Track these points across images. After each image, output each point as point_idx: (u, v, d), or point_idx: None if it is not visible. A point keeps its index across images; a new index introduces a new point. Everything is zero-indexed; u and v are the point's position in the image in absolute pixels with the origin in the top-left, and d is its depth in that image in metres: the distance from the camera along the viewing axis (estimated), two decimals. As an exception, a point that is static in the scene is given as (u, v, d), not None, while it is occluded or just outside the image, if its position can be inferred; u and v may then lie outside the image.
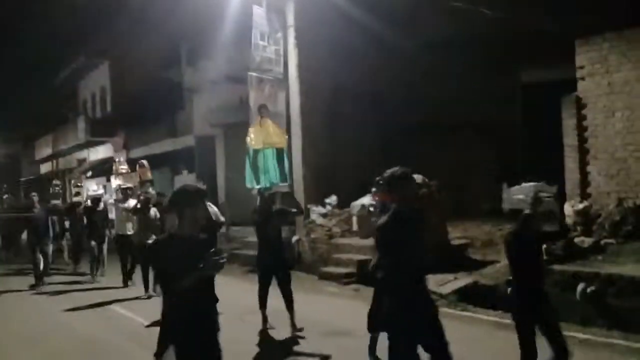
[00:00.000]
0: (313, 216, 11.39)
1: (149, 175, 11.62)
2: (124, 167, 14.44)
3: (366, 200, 9.38)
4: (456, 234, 10.55)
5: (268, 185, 9.45)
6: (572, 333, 5.99)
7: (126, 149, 21.75)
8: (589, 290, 7.09)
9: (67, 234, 13.47)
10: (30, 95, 29.17)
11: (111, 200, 12.24)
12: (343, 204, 11.37)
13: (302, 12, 12.00)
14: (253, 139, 9.87)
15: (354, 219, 10.82)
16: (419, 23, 11.62)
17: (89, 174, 24.61)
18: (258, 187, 8.63)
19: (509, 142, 10.99)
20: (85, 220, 12.00)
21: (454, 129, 11.24)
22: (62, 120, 27.48)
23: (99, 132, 23.17)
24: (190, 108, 16.75)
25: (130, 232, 10.14)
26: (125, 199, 10.49)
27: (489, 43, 10.80)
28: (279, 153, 10.34)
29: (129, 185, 11.70)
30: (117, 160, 13.53)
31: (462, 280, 8.53)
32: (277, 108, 11.97)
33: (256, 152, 10.01)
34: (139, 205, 9.65)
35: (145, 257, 8.70)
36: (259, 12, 11.59)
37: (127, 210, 10.19)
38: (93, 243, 11.35)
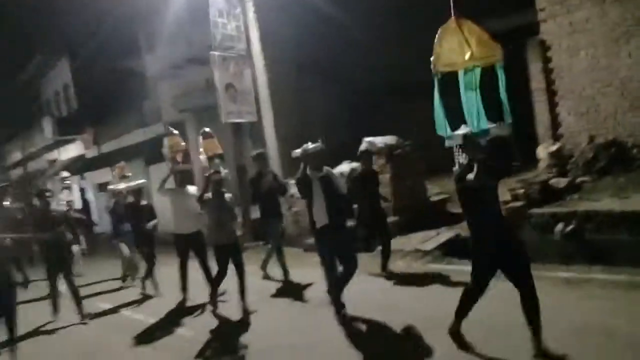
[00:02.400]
0: (292, 190, 11.37)
1: (218, 147, 8.51)
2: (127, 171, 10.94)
3: (343, 167, 9.37)
4: (434, 191, 10.65)
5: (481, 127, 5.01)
6: (554, 273, 6.13)
7: (97, 144, 21.39)
8: (567, 229, 7.24)
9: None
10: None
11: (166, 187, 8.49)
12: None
13: (257, -15, 11.78)
14: (441, 54, 5.07)
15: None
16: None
17: (64, 174, 24.16)
18: (463, 132, 4.84)
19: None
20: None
21: (420, 87, 11.21)
22: (29, 123, 26.84)
23: (67, 130, 22.68)
24: (157, 96, 16.45)
25: (194, 230, 7.73)
26: (182, 185, 7.93)
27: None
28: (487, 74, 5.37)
29: (186, 166, 8.93)
30: (118, 166, 10.75)
31: (444, 235, 8.65)
32: (243, 85, 11.82)
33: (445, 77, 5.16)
34: (209, 193, 7.05)
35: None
36: (213, -12, 11.33)
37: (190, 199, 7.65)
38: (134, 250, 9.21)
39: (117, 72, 17.50)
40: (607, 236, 6.70)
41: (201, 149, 8.36)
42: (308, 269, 8.03)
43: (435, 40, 4.88)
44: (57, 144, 24.03)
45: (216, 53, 11.40)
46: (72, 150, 23.86)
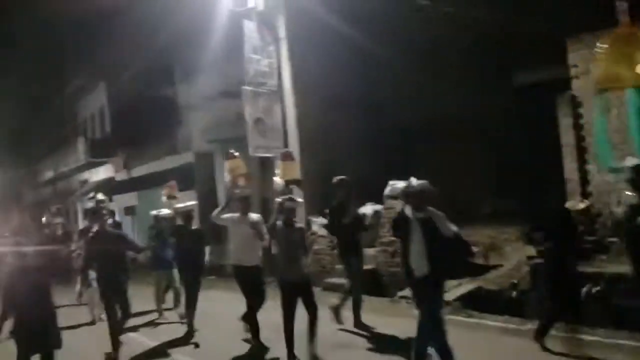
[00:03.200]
0: (314, 227, 11.33)
1: (297, 171, 7.97)
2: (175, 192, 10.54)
3: (367, 209, 9.29)
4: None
5: None
6: (579, 335, 5.92)
7: (127, 168, 21.76)
8: (594, 290, 7.02)
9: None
10: (31, 120, 29.39)
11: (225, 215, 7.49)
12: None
13: (293, 24, 12.03)
14: (606, 68, 4.15)
15: (356, 228, 10.73)
16: (410, 27, 11.59)
17: (92, 194, 24.61)
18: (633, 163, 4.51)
19: (505, 144, 10.90)
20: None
21: (451, 133, 11.18)
22: (63, 143, 27.55)
23: (99, 152, 23.17)
24: (188, 125, 16.75)
25: (255, 263, 7.10)
26: (243, 212, 7.15)
27: (480, 46, 10.77)
28: None
29: (248, 192, 8.03)
30: (168, 185, 10.31)
31: (466, 285, 8.46)
32: (273, 120, 11.99)
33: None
34: (278, 221, 6.31)
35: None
36: (249, 26, 11.65)
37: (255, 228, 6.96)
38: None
39: (151, 100, 17.95)
40: (635, 302, 6.45)
41: (277, 171, 8.22)
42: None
43: (598, 49, 3.73)
44: (89, 166, 24.54)
45: (248, 88, 11.64)
46: (102, 173, 24.32)
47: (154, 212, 9.54)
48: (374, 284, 9.63)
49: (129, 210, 21.36)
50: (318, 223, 11.36)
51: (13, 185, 34.82)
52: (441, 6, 10.88)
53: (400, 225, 5.35)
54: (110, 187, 22.41)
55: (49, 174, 29.86)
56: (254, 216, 7.21)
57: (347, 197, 7.67)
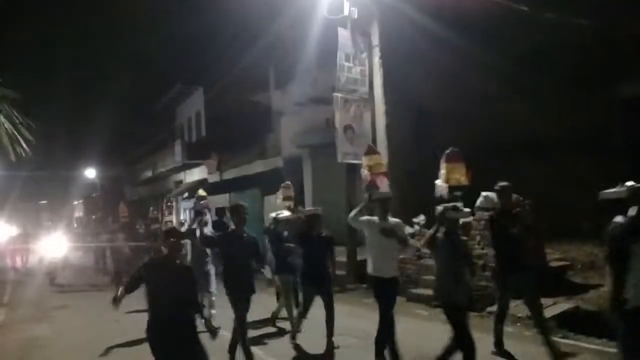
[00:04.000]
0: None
1: (465, 175, 6.98)
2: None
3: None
4: (554, 256, 9.97)
5: None
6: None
7: (219, 170, 22.65)
8: None
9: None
10: (132, 122, 31.41)
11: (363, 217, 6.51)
12: (433, 223, 11.07)
13: (386, 31, 12.04)
14: None
15: (444, 239, 10.51)
16: (506, 36, 11.26)
17: (186, 194, 25.88)
18: None
19: (609, 157, 10.27)
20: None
21: (550, 145, 10.69)
22: (161, 145, 29.16)
23: (194, 155, 24.28)
24: (279, 130, 17.18)
25: (394, 274, 6.38)
26: (384, 216, 6.31)
27: (584, 54, 10.25)
28: None
29: (388, 193, 7.31)
30: (284, 185, 9.92)
31: (562, 305, 8.04)
32: (362, 128, 12.03)
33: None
34: (439, 233, 5.68)
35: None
36: (344, 34, 11.77)
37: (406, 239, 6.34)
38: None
39: (246, 105, 18.60)
40: None
41: (442, 172, 7.16)
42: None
43: None
44: (184, 167, 25.79)
45: (339, 95, 11.75)
46: (196, 174, 25.46)
47: (272, 215, 8.75)
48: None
49: (220, 212, 22.19)
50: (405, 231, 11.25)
51: (116, 183, 37.28)
52: (541, 12, 10.48)
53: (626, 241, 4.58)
54: (203, 188, 23.45)
55: (148, 174, 31.69)
56: (394, 220, 6.42)
57: (511, 205, 6.86)
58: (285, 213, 8.64)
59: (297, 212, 8.75)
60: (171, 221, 16.45)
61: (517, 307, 7.72)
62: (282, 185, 10.24)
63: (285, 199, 9.78)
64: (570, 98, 10.55)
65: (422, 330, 7.95)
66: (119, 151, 34.49)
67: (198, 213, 8.19)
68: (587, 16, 10.06)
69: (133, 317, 7.97)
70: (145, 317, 4.94)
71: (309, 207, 8.55)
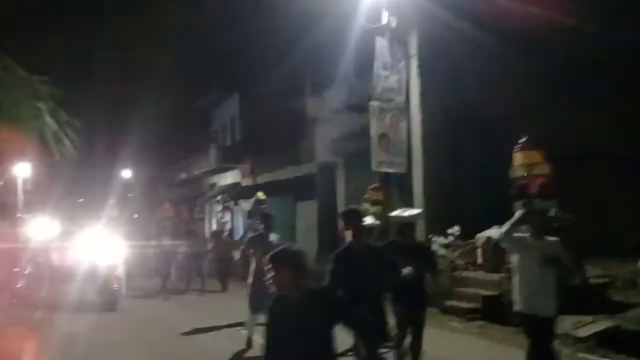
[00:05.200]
0: (435, 247, 11.10)
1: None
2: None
3: (493, 232, 8.96)
4: (595, 272, 9.71)
5: None
6: None
7: (253, 174, 22.87)
8: None
9: None
10: (168, 125, 31.93)
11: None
12: (467, 235, 10.95)
13: (425, 40, 11.96)
14: None
15: (479, 251, 10.38)
16: (550, 45, 11.04)
17: (219, 198, 26.21)
18: None
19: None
20: None
21: (595, 158, 10.42)
22: (196, 147, 29.61)
23: (228, 158, 24.63)
24: (313, 136, 17.25)
25: (553, 312, 5.05)
26: (539, 234, 5.03)
27: (630, 67, 9.98)
28: None
29: (549, 204, 6.13)
30: (372, 188, 9.10)
31: (602, 323, 7.81)
32: (398, 136, 11.97)
33: None
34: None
35: None
36: (382, 43, 11.76)
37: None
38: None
39: (280, 111, 18.75)
40: None
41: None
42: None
43: None
44: (218, 170, 26.13)
45: (375, 103, 11.75)
46: (230, 178, 25.76)
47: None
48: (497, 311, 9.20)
49: (251, 214, 22.40)
50: (439, 243, 11.13)
51: (153, 184, 37.93)
52: (585, 22, 10.27)
53: None
54: (236, 191, 23.70)
55: (183, 176, 32.19)
56: (552, 240, 5.07)
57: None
58: (370, 220, 7.83)
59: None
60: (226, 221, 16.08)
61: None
62: (369, 188, 9.05)
63: (374, 203, 8.82)
64: (627, 110, 10.27)
65: (457, 343, 7.85)
66: (155, 153, 35.07)
67: (256, 215, 7.92)
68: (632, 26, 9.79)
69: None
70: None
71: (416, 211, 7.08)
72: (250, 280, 7.22)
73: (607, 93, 10.67)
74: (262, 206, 9.88)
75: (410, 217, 6.49)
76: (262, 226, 7.52)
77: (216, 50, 24.65)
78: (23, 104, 8.45)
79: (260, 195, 10.20)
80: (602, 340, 7.33)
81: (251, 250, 7.39)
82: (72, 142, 8.86)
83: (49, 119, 8.54)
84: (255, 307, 7.03)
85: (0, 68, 8.20)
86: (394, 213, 6.96)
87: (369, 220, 7.62)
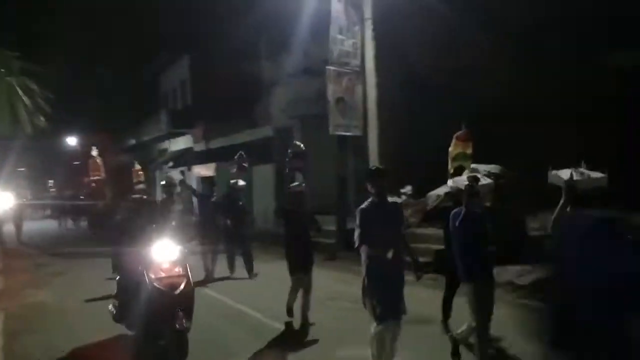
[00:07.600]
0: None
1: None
2: None
3: (442, 190, 9.47)
4: (534, 226, 10.43)
5: None
6: None
7: (205, 139, 22.73)
8: None
9: None
10: (116, 89, 31.02)
11: None
12: (419, 194, 11.50)
13: (378, 4, 12.17)
14: None
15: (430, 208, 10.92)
16: (498, 8, 11.36)
17: (171, 163, 25.94)
18: None
19: (601, 130, 10.47)
20: None
21: (538, 117, 10.96)
22: (146, 113, 29.02)
23: (180, 123, 24.29)
24: (269, 100, 17.31)
25: None
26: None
27: (576, 24, 10.40)
28: None
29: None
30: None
31: (539, 272, 8.48)
32: (353, 100, 12.26)
33: None
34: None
35: None
36: (337, 7, 11.89)
37: None
38: None
39: (234, 74, 18.62)
40: None
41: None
42: None
43: None
44: (169, 136, 25.77)
45: (332, 68, 11.94)
46: (181, 143, 25.49)
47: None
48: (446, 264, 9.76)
49: (205, 180, 22.36)
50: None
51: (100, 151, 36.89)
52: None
53: None
54: (189, 157, 23.54)
55: (131, 142, 31.52)
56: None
57: None
58: (241, 182, 9.37)
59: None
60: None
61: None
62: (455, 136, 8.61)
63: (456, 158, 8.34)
64: (561, 69, 10.74)
65: (412, 295, 8.29)
66: (103, 120, 34.09)
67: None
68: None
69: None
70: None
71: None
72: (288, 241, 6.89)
73: (559, 53, 11.08)
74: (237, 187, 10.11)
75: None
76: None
77: (165, 10, 24.01)
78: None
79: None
80: (539, 287, 8.00)
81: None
82: (45, 116, 8.68)
83: (22, 94, 8.28)
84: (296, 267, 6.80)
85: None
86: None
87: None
